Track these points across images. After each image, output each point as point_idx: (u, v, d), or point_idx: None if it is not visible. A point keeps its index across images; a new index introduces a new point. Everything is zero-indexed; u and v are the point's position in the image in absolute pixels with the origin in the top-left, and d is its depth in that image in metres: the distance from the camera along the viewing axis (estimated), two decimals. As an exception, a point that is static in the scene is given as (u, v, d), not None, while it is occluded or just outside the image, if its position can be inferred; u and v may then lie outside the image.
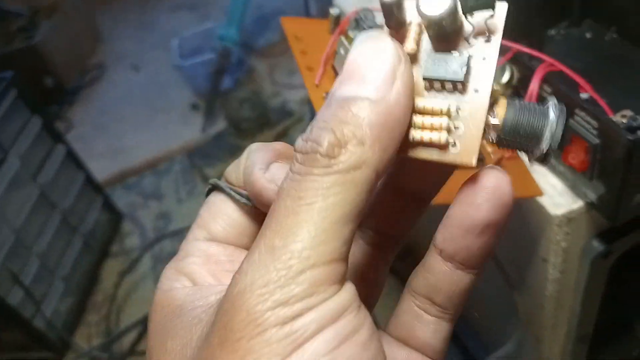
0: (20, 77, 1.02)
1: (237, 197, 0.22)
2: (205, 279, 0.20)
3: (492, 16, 0.17)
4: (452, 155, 0.18)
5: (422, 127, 0.18)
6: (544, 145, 0.18)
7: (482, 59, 0.18)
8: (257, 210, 0.22)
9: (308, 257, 0.16)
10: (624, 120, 0.34)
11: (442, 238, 0.19)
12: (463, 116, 0.18)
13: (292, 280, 0.16)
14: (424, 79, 0.18)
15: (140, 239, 1.29)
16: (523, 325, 0.54)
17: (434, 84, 0.18)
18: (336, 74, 0.35)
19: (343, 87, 0.17)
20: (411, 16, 0.18)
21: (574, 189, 0.40)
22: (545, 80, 0.36)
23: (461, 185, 0.18)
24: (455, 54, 0.18)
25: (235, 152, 1.37)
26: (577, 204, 0.40)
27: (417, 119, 0.18)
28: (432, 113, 0.17)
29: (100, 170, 1.46)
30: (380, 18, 0.39)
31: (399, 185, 0.21)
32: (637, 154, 0.33)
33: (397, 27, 0.18)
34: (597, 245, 0.43)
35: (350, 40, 0.36)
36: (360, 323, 0.16)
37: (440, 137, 0.17)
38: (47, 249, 1.05)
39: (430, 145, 0.18)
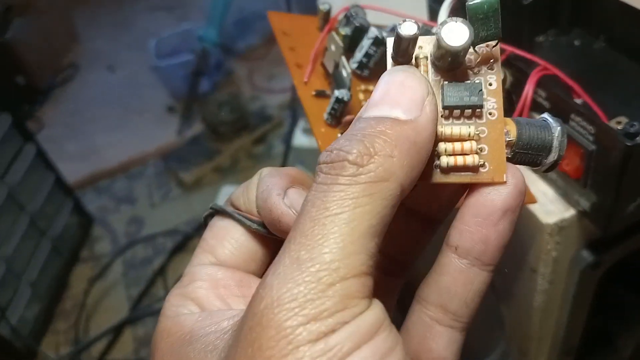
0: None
1: (249, 223, 0.21)
2: (214, 303, 0.20)
3: (494, 45, 0.19)
4: (484, 175, 0.19)
5: (453, 153, 0.19)
6: (554, 155, 0.20)
7: (489, 85, 0.19)
8: (268, 238, 0.22)
9: (337, 269, 0.15)
10: (620, 127, 0.33)
11: (457, 233, 0.19)
12: (484, 138, 0.19)
13: (323, 294, 0.15)
14: (444, 107, 0.19)
15: (111, 244, 1.26)
16: (508, 338, 0.53)
17: (454, 112, 0.19)
18: (325, 71, 0.34)
19: (373, 109, 0.18)
20: (418, 50, 0.19)
21: (566, 196, 0.39)
22: (539, 84, 0.35)
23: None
24: (468, 82, 0.19)
25: (212, 156, 1.34)
26: (569, 212, 0.39)
27: (445, 145, 0.19)
28: (460, 139, 0.19)
29: (71, 172, 1.42)
30: (370, 16, 0.37)
31: (410, 207, 0.21)
32: (633, 161, 0.32)
33: (403, 61, 0.19)
34: (587, 256, 0.42)
35: (341, 37, 0.34)
36: (395, 341, 0.16)
37: (473, 159, 0.19)
38: (14, 253, 1.01)
39: (463, 169, 0.19)
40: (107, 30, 2.02)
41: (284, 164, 1.01)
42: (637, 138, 0.31)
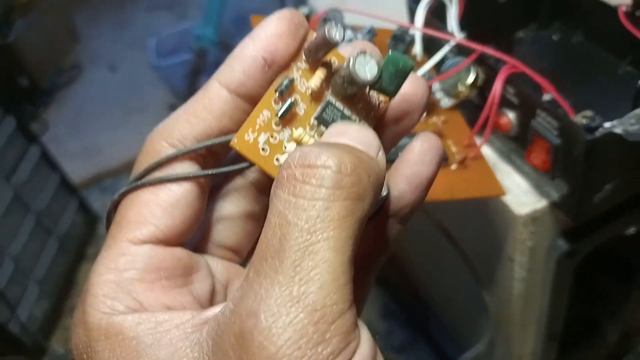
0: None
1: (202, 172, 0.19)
2: (154, 302, 0.17)
3: (382, 102, 0.20)
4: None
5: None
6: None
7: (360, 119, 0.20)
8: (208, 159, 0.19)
9: (334, 305, 0.14)
10: (584, 121, 0.35)
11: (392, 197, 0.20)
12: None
13: (323, 337, 0.14)
14: (315, 118, 0.19)
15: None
16: (493, 325, 0.54)
17: (320, 126, 0.19)
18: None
19: (339, 138, 0.17)
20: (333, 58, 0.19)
21: (538, 188, 0.41)
22: (509, 81, 0.37)
23: (406, 148, 0.20)
24: (346, 112, 0.19)
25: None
26: (541, 203, 0.40)
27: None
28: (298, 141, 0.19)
29: (76, 171, 1.45)
30: (348, 19, 0.39)
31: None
32: (595, 154, 0.33)
33: (311, 60, 0.19)
34: (563, 245, 0.44)
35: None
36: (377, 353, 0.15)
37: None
38: (22, 252, 1.03)
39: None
40: (108, 30, 2.04)
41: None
42: (598, 132, 0.33)
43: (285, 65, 0.18)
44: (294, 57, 0.18)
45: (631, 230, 0.52)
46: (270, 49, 0.18)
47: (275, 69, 0.18)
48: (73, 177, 1.30)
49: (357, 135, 0.17)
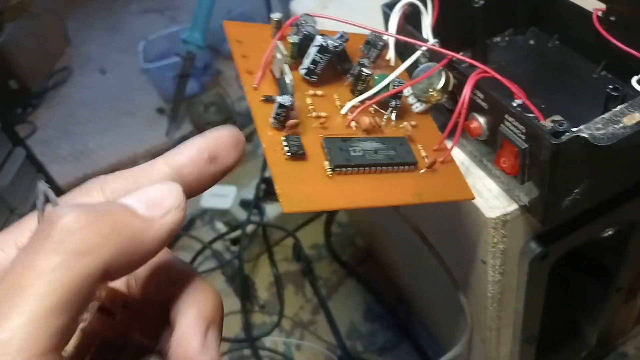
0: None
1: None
2: None
3: None
4: None
5: None
6: None
7: None
8: None
9: (19, 350, 0.15)
10: (552, 125, 0.35)
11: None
12: None
13: None
14: None
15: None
16: (470, 327, 0.55)
17: None
18: (274, 77, 0.36)
19: (127, 197, 0.19)
20: None
21: (509, 191, 0.41)
22: (478, 86, 0.37)
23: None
24: None
25: (200, 156, 1.36)
26: (512, 206, 0.41)
27: None
28: None
29: (64, 174, 1.44)
30: (319, 24, 0.39)
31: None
32: (562, 158, 0.34)
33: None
34: (535, 247, 0.44)
35: (288, 45, 0.36)
36: None
37: None
38: (5, 255, 1.03)
39: None
40: (99, 33, 2.04)
41: (265, 162, 1.03)
42: (564, 137, 0.33)
43: (226, 169, 0.22)
44: (232, 166, 0.22)
45: (608, 232, 0.53)
46: (216, 149, 0.21)
47: (216, 167, 0.21)
48: (62, 180, 1.30)
49: (145, 195, 0.19)
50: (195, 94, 1.48)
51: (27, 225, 0.20)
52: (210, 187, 0.22)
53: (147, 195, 0.19)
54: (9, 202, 1.06)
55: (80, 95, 1.76)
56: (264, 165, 1.04)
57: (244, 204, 1.06)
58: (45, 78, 1.84)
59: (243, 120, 1.40)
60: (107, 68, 1.84)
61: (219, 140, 0.21)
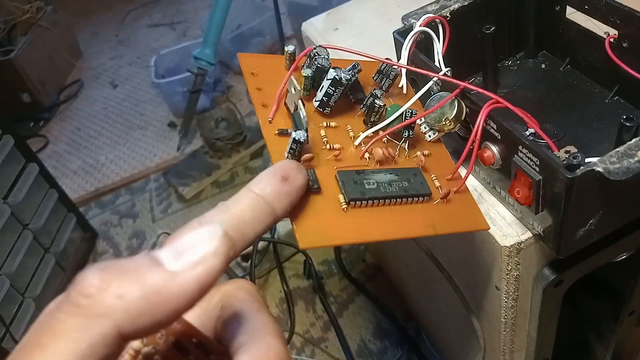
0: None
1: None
2: None
3: None
4: None
5: None
6: None
7: None
8: None
9: None
10: (567, 157, 0.35)
11: None
12: None
13: None
14: None
15: (114, 258, 1.28)
16: (483, 350, 0.54)
17: None
18: (288, 110, 0.36)
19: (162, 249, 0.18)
20: None
21: (522, 219, 0.41)
22: (491, 116, 0.37)
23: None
24: None
25: (210, 170, 1.37)
26: (526, 235, 0.41)
27: None
28: None
29: (75, 188, 1.46)
30: (333, 54, 0.40)
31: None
32: (576, 191, 0.34)
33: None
34: (549, 274, 0.44)
35: (301, 79, 0.37)
36: None
37: None
38: (18, 270, 1.04)
39: None
40: (110, 47, 2.06)
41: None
42: (578, 170, 0.33)
43: (298, 189, 0.27)
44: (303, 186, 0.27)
45: (622, 256, 0.52)
46: (284, 170, 0.25)
47: (289, 186, 0.25)
48: (72, 194, 1.31)
49: (178, 242, 0.18)
50: (205, 109, 1.49)
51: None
52: (288, 208, 0.24)
53: (179, 243, 0.18)
54: (21, 218, 1.07)
55: (91, 109, 1.78)
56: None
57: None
58: (56, 91, 1.86)
59: (253, 135, 1.40)
60: (118, 81, 1.86)
61: (285, 163, 0.25)
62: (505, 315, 0.47)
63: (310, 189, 0.32)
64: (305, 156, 0.33)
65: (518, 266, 0.42)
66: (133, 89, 1.80)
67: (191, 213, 1.32)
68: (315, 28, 0.70)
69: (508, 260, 0.42)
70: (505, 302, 0.46)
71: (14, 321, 1.03)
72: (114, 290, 0.16)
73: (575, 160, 0.34)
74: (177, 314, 0.17)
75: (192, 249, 0.18)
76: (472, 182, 0.45)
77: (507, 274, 0.43)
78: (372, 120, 0.38)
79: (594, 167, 0.33)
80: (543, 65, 0.54)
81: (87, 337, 0.16)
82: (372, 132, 0.37)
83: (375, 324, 0.94)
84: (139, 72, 1.87)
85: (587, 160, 0.34)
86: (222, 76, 1.61)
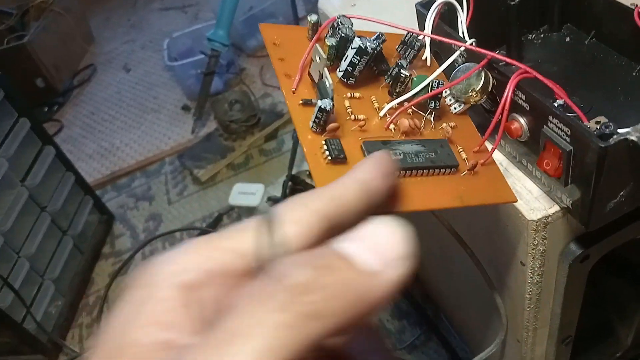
0: (8, 78, 1.02)
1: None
2: None
3: None
4: None
5: None
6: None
7: None
8: None
9: None
10: (598, 127, 0.34)
11: None
12: None
13: None
14: None
15: (131, 241, 1.29)
16: (505, 327, 0.54)
17: None
18: (312, 81, 0.36)
19: (348, 241, 0.16)
20: None
21: (550, 193, 0.40)
22: (519, 87, 0.36)
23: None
24: None
25: (225, 153, 1.37)
26: (553, 208, 0.40)
27: None
28: None
29: (91, 171, 1.47)
30: (357, 24, 0.39)
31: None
32: (609, 161, 0.33)
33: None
34: (575, 249, 0.44)
35: (325, 48, 0.36)
36: None
37: None
38: (36, 252, 1.05)
39: None
40: (122, 31, 2.06)
41: (292, 159, 1.03)
42: (611, 139, 0.32)
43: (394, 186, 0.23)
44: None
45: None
46: (385, 164, 0.21)
47: (391, 180, 0.21)
48: (88, 177, 1.32)
49: (367, 241, 0.16)
50: (219, 92, 1.49)
51: (243, 238, 0.18)
52: (387, 207, 0.21)
53: (370, 242, 0.16)
54: (39, 200, 1.08)
55: (105, 93, 1.78)
56: (291, 163, 1.04)
57: (272, 201, 1.06)
58: (70, 76, 1.86)
59: (267, 117, 1.40)
60: (131, 65, 1.86)
61: (382, 156, 0.21)
62: (530, 291, 0.47)
63: (337, 158, 0.32)
64: (331, 125, 0.33)
65: (544, 241, 0.42)
66: (146, 72, 1.80)
67: (207, 195, 1.32)
68: (332, 5, 0.69)
69: (535, 234, 0.41)
70: (531, 277, 0.45)
71: (34, 302, 1.04)
72: (327, 293, 0.15)
73: (607, 130, 0.33)
74: (367, 317, 0.16)
75: (388, 250, 0.16)
76: (497, 157, 0.44)
77: (533, 249, 0.42)
78: (397, 91, 0.37)
79: (627, 136, 0.32)
80: (567, 39, 0.53)
81: (295, 337, 0.14)
82: (397, 104, 0.36)
83: (393, 304, 0.94)
84: (151, 55, 1.86)
85: (619, 130, 0.33)
86: (235, 58, 1.60)
